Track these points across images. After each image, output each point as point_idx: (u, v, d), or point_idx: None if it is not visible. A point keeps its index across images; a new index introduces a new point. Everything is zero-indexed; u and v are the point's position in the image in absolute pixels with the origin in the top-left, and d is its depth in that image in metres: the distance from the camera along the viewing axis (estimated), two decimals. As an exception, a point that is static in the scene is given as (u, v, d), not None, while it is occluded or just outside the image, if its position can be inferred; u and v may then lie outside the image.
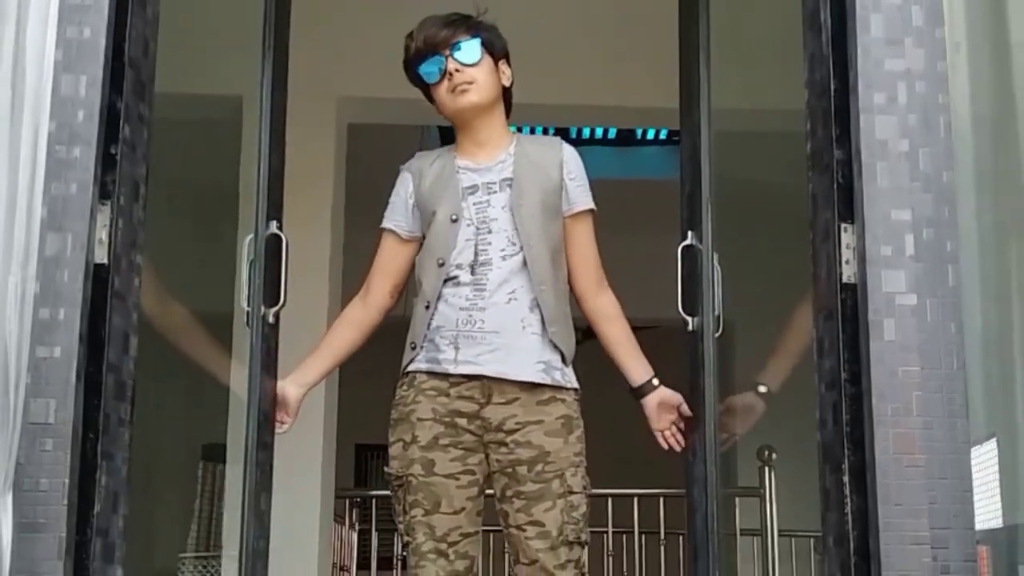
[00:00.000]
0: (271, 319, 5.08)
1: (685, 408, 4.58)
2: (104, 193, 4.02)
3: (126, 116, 4.13)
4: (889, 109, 4.09)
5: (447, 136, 13.14)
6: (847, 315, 4.05)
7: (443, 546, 4.48)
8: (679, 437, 4.64)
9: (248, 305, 5.03)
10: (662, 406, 4.60)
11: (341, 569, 12.13)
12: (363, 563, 12.73)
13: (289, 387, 4.73)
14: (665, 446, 4.60)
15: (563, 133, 12.52)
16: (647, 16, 7.74)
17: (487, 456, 4.53)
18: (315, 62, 7.15)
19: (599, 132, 13.68)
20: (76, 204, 3.91)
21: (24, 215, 3.67)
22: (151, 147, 4.30)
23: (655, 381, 4.62)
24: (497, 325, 4.48)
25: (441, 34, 4.62)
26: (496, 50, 4.73)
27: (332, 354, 4.71)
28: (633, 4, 9.31)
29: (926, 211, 4.03)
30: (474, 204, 4.60)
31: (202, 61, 6.06)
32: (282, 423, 4.71)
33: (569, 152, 4.76)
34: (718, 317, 5.19)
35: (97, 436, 3.91)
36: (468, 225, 4.57)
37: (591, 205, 4.72)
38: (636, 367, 4.61)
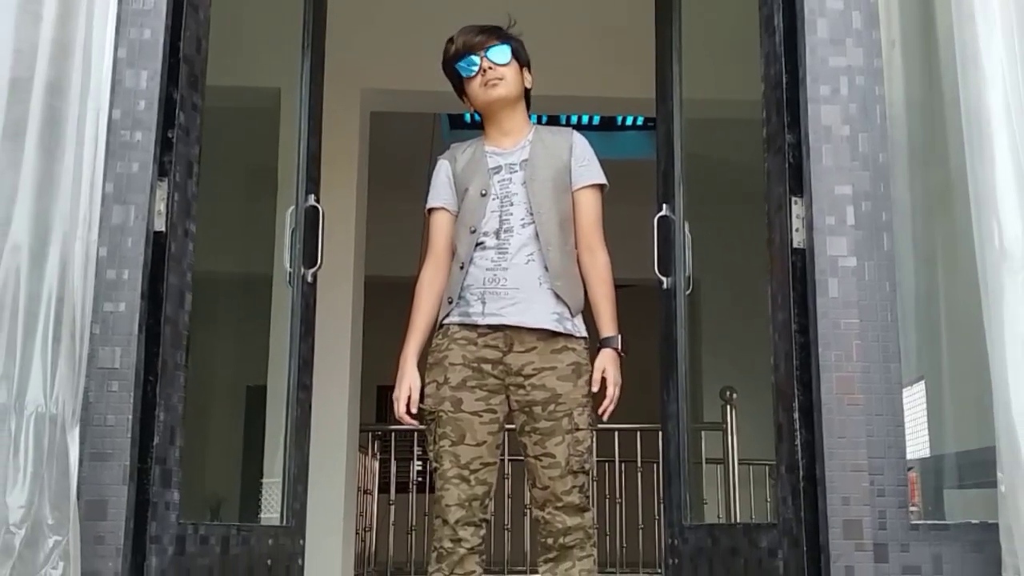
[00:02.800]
0: (309, 278, 5.12)
1: (596, 376, 4.60)
2: (162, 171, 4.03)
3: (181, 105, 4.14)
4: (833, 99, 4.10)
5: (456, 124, 13.21)
6: (797, 275, 4.07)
7: (466, 472, 4.52)
8: (605, 386, 4.65)
9: (290, 266, 5.07)
10: (603, 360, 4.61)
11: (364, 492, 12.15)
12: (383, 487, 12.77)
13: (414, 373, 4.74)
14: (596, 388, 4.62)
15: (554, 120, 12.54)
16: (627, 20, 7.74)
17: (508, 397, 4.57)
18: (343, 59, 7.13)
19: (585, 119, 13.65)
20: (138, 180, 3.93)
21: (87, 188, 3.68)
22: (203, 131, 4.31)
23: (610, 342, 4.63)
24: (518, 282, 4.52)
25: (478, 39, 4.71)
26: (521, 58, 4.81)
27: (429, 321, 4.73)
28: (615, 10, 9.33)
29: (864, 186, 4.04)
30: (499, 181, 4.65)
31: (246, 58, 6.05)
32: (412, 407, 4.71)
33: (578, 139, 4.81)
34: (688, 277, 5.22)
35: (156, 379, 3.93)
36: (494, 199, 4.62)
37: (596, 181, 4.73)
38: (604, 326, 4.63)
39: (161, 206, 4.00)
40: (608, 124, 14.06)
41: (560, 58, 9.30)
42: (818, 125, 4.08)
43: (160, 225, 3.99)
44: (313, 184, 5.24)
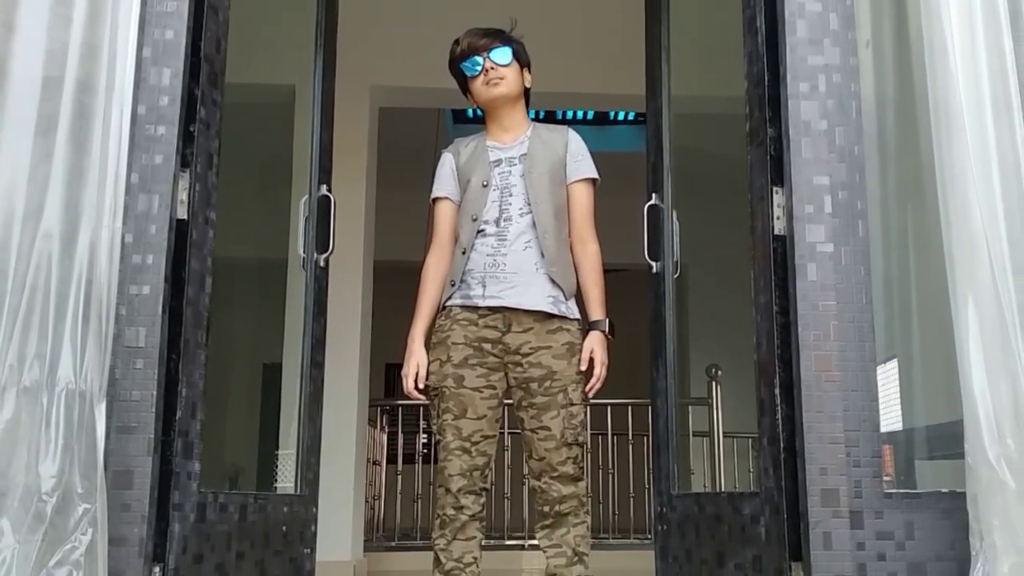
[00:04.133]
0: (322, 263, 5.13)
1: (585, 356, 4.61)
2: (184, 163, 4.04)
3: (202, 101, 4.15)
4: (811, 96, 4.10)
5: (459, 119, 13.21)
6: (778, 260, 4.07)
7: (467, 444, 4.54)
8: (593, 365, 4.67)
9: (304, 252, 5.08)
10: (591, 341, 4.63)
11: (373, 463, 12.18)
12: (391, 458, 12.77)
13: (421, 352, 4.76)
14: (584, 367, 4.64)
15: (551, 114, 12.57)
16: (620, 23, 7.73)
17: (506, 374, 4.59)
18: (353, 58, 7.13)
19: (580, 114, 13.67)
20: (162, 172, 3.94)
21: (112, 179, 3.69)
22: (222, 126, 4.32)
23: (599, 325, 4.65)
24: (516, 267, 4.55)
25: (482, 41, 4.75)
26: (522, 58, 4.84)
27: (433, 303, 4.75)
28: (609, 14, 9.33)
29: (841, 177, 4.04)
30: (499, 174, 4.69)
31: (263, 57, 6.05)
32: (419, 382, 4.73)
33: (573, 136, 4.84)
34: (676, 262, 5.23)
35: (179, 357, 3.94)
36: (495, 190, 4.66)
37: (589, 175, 4.76)
38: (594, 310, 4.66)
39: (183, 195, 4.01)
40: (602, 119, 14.09)
41: (558, 58, 9.30)
42: (798, 120, 4.08)
43: (182, 213, 4.00)
44: (325, 175, 5.25)
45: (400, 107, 10.51)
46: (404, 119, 11.04)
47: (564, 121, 13.23)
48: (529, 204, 4.62)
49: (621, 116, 13.97)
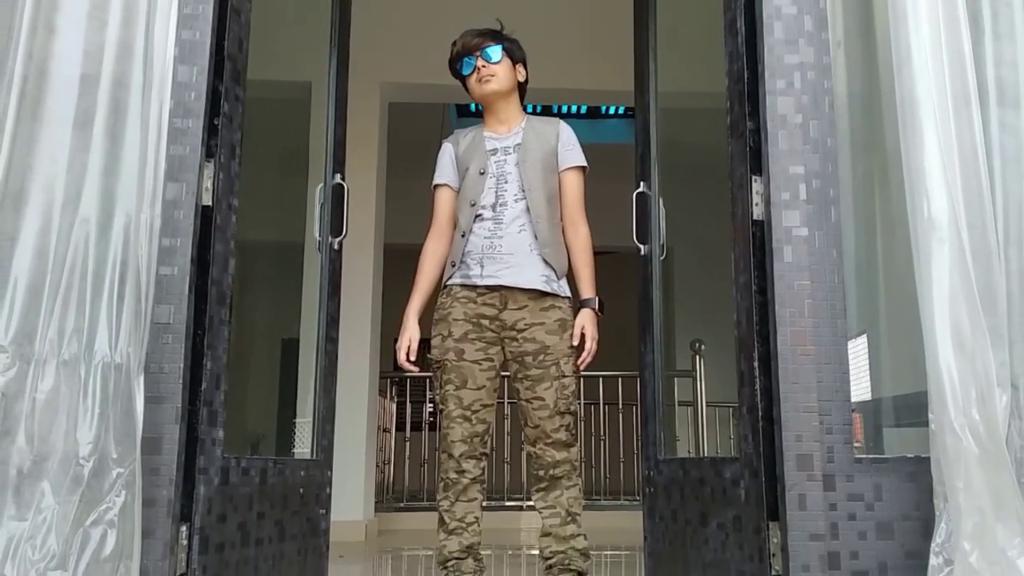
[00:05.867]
0: (336, 246, 5.14)
1: (576, 332, 4.63)
2: (209, 153, 4.04)
3: (225, 96, 4.15)
4: (787, 92, 4.11)
5: (462, 113, 13.21)
6: (756, 243, 4.08)
7: (468, 413, 4.57)
8: (584, 340, 4.68)
9: (319, 236, 5.09)
10: (582, 318, 4.65)
11: (383, 430, 12.22)
12: (400, 426, 12.82)
13: (415, 327, 4.78)
14: (576, 342, 4.66)
15: (547, 109, 12.57)
16: (610, 23, 7.73)
17: (503, 348, 4.63)
18: (364, 57, 7.12)
19: (574, 108, 13.67)
20: (188, 161, 3.94)
21: (151, 169, 3.69)
22: (244, 119, 4.32)
23: (589, 302, 4.67)
24: (511, 248, 4.59)
25: (474, 41, 4.82)
26: (515, 55, 4.88)
27: (431, 282, 4.78)
28: (601, 16, 9.33)
29: (815, 167, 4.05)
30: (495, 162, 4.73)
31: (282, 56, 6.05)
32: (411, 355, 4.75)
33: (564, 127, 4.88)
34: (663, 244, 5.23)
35: (204, 332, 3.95)
36: (491, 177, 4.70)
37: (579, 163, 4.79)
38: (584, 289, 4.68)
39: (208, 183, 4.01)
40: (594, 113, 14.10)
41: (554, 56, 9.34)
42: (775, 114, 4.09)
43: (207, 200, 4.01)
44: (339, 165, 5.26)
45: (408, 102, 10.52)
46: (411, 113, 11.06)
47: (559, 115, 13.25)
48: (523, 190, 4.67)
49: (612, 111, 13.97)
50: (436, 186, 4.91)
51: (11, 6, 3.75)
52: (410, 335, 4.76)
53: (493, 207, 4.68)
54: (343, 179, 5.19)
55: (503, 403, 4.56)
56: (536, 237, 4.63)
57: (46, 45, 3.70)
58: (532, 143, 4.79)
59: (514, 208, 4.66)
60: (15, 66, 3.63)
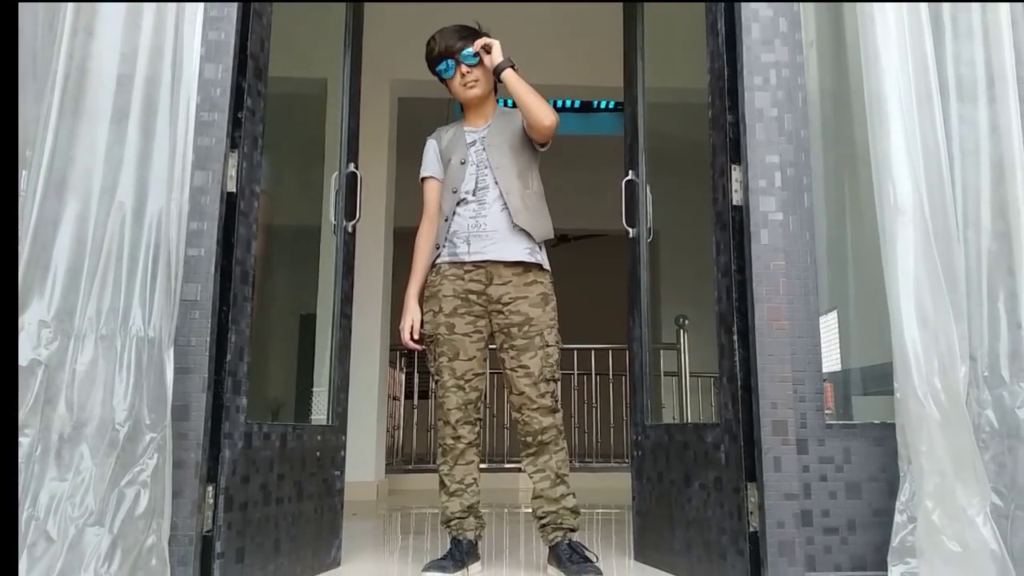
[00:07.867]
0: (350, 229, 5.14)
1: (480, 41, 4.65)
2: (233, 144, 4.04)
3: (248, 92, 4.14)
4: (764, 88, 4.11)
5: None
6: (735, 227, 4.08)
7: (461, 382, 4.60)
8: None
9: (335, 220, 5.09)
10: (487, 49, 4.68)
11: (393, 398, 12.22)
12: (408, 395, 12.82)
13: (416, 308, 4.79)
14: (479, 48, 4.65)
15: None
16: (601, 23, 7.72)
17: (490, 320, 4.64)
18: (377, 55, 7.13)
19: (568, 102, 13.64)
20: (214, 152, 3.94)
21: (181, 159, 3.69)
22: (266, 112, 4.32)
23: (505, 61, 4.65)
24: (495, 226, 4.61)
25: (456, 44, 4.75)
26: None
27: (425, 265, 4.79)
28: (593, 17, 9.31)
29: (789, 157, 4.05)
30: (474, 152, 4.75)
31: (301, 54, 6.04)
32: (414, 334, 4.75)
33: None
34: (649, 228, 5.23)
35: (228, 308, 3.95)
36: (471, 165, 4.73)
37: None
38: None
39: (232, 172, 4.01)
40: (586, 107, 14.06)
41: (549, 54, 9.36)
42: (752, 108, 4.09)
43: (232, 187, 4.00)
44: (353, 154, 5.25)
45: (416, 97, 10.50)
46: (419, 107, 11.01)
47: (554, 108, 13.21)
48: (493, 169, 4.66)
49: (603, 104, 13.93)
50: (423, 179, 4.93)
51: (54, 11, 3.76)
52: (412, 316, 4.78)
53: (474, 192, 4.70)
54: (356, 168, 5.19)
55: (500, 373, 4.57)
56: (510, 210, 4.63)
57: (85, 47, 3.71)
58: (498, 128, 4.83)
59: (493, 190, 4.69)
60: (58, 66, 3.63)
